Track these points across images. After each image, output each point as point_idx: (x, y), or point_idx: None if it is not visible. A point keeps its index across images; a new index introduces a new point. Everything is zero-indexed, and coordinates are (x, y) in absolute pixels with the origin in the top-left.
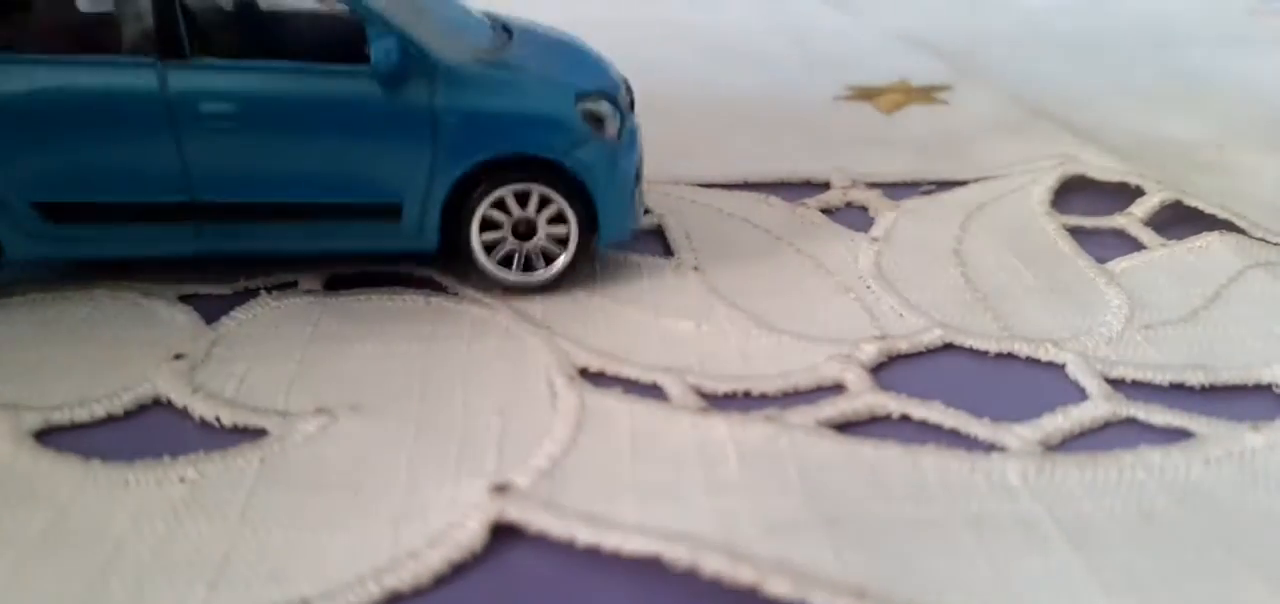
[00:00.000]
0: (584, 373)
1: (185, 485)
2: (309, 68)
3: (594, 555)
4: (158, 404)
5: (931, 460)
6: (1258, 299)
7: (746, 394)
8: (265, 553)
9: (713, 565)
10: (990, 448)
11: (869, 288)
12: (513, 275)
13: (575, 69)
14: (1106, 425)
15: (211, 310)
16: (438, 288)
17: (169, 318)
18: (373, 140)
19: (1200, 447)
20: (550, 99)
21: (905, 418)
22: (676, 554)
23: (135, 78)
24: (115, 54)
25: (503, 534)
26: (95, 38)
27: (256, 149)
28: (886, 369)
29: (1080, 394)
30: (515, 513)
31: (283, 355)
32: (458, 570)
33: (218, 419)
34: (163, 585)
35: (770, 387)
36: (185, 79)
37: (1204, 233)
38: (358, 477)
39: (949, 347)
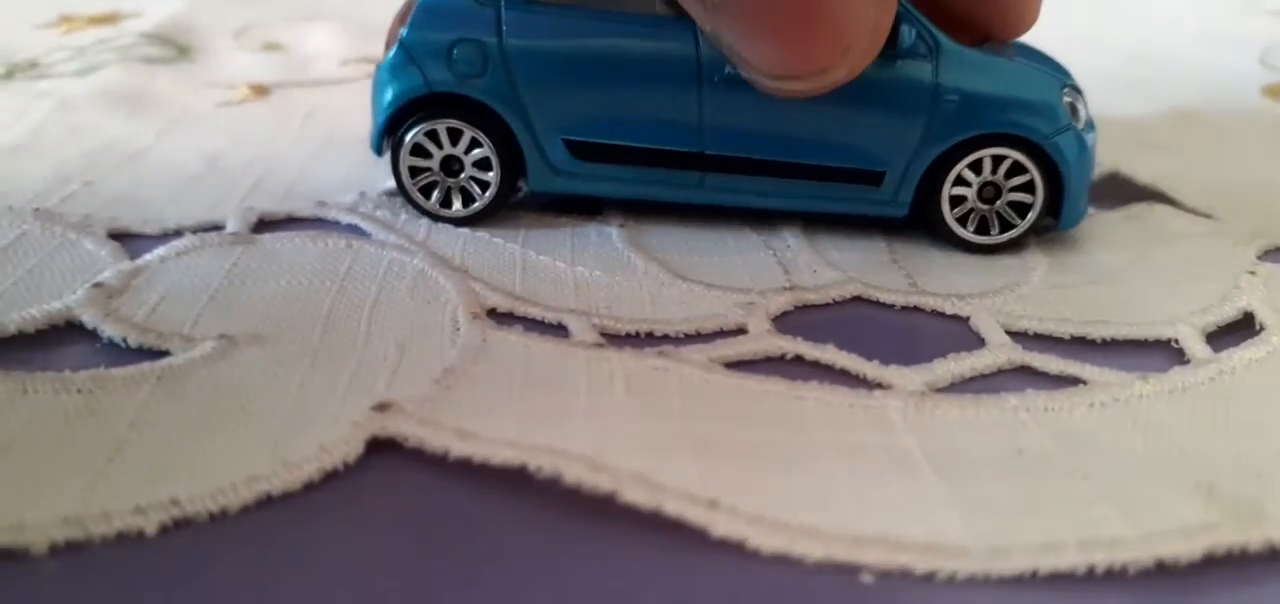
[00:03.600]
0: (492, 313)
1: (81, 395)
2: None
3: (466, 468)
4: (70, 326)
5: (813, 395)
6: (1177, 261)
7: (649, 335)
8: (147, 458)
9: (573, 474)
10: (875, 387)
11: (789, 247)
12: (981, 237)
13: (1042, 60)
14: (999, 372)
15: (138, 248)
16: (361, 233)
17: (95, 251)
18: (874, 111)
19: (1088, 393)
20: (1042, 86)
21: (799, 359)
22: (540, 463)
23: (674, 37)
24: (652, 15)
25: (381, 448)
26: None
27: (766, 110)
28: (791, 317)
29: (979, 343)
30: (394, 428)
31: (197, 289)
32: (330, 478)
33: (124, 341)
34: (45, 482)
35: (672, 329)
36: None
37: (1135, 203)
38: (248, 397)
39: (857, 299)
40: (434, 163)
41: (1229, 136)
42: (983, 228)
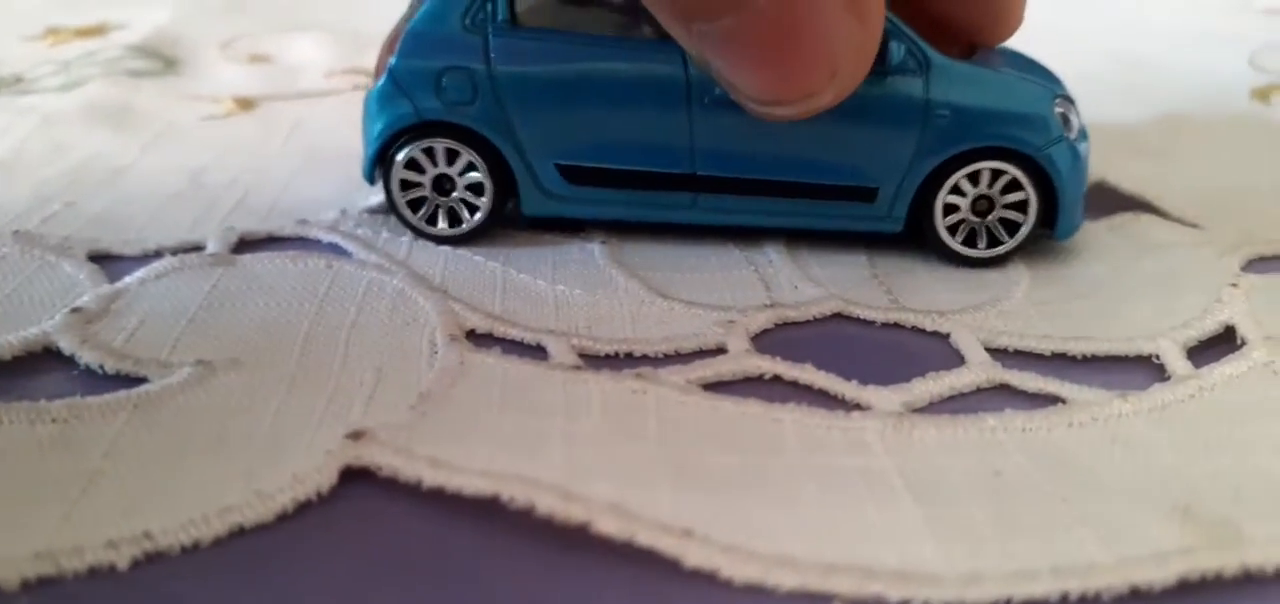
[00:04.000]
0: (471, 334)
1: (56, 425)
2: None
3: (440, 496)
4: (47, 352)
5: (790, 417)
6: (1160, 274)
7: (628, 355)
8: (121, 489)
9: (546, 505)
10: (853, 408)
11: (771, 262)
12: (971, 250)
13: (1033, 69)
14: (978, 390)
15: (118, 270)
16: (342, 253)
17: (73, 274)
18: (866, 128)
19: (1067, 412)
20: (1033, 97)
21: (777, 378)
22: (512, 492)
23: (663, 59)
24: (640, 38)
25: (354, 477)
26: (623, 21)
27: (757, 130)
28: (771, 335)
29: (959, 361)
30: (367, 457)
31: (176, 313)
32: (303, 509)
33: (102, 367)
34: (18, 514)
35: (651, 349)
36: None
37: (1120, 213)
38: (223, 424)
39: (837, 316)
40: (426, 180)
41: (1217, 141)
42: (970, 240)
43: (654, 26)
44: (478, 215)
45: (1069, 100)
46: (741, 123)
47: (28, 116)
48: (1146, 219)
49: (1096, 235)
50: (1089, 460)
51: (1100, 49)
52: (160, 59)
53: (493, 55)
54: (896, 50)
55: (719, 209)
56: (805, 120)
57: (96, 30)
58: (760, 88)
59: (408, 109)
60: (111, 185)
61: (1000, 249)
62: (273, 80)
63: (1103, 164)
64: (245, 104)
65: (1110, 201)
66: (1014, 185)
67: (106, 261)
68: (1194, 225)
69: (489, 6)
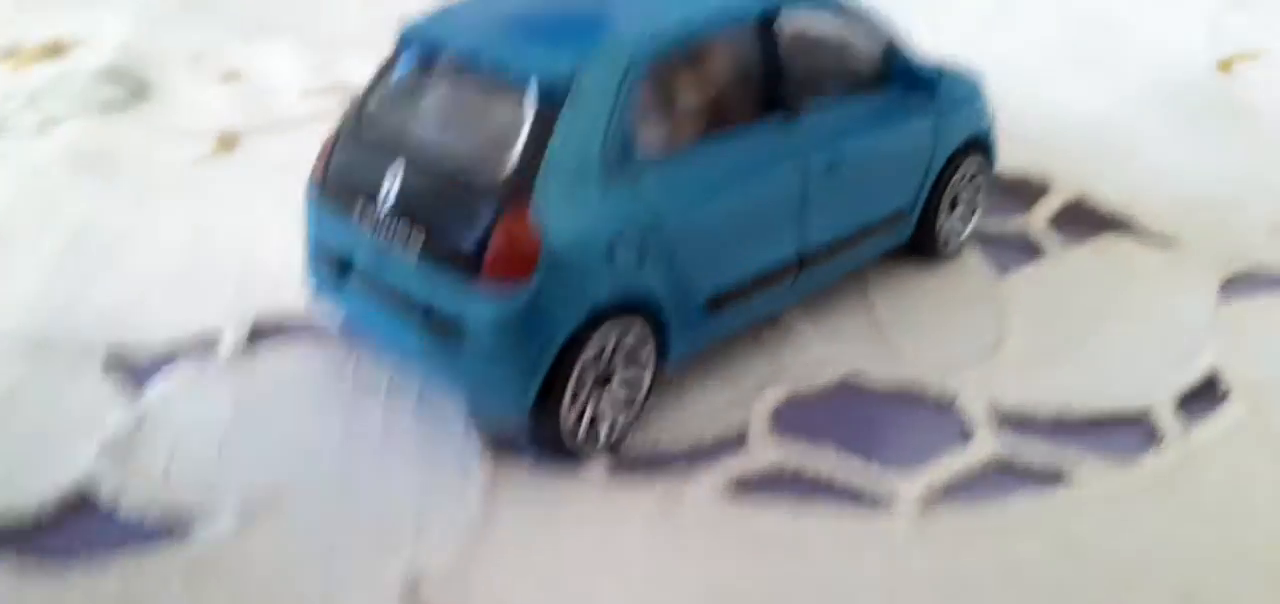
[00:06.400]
0: (498, 440)
1: (118, 584)
2: (888, 101)
3: None
4: (86, 500)
5: (818, 524)
6: (1145, 317)
7: (653, 451)
8: None
9: None
10: (878, 502)
11: (774, 324)
12: (969, 226)
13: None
14: (986, 468)
15: (138, 376)
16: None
17: (94, 393)
18: (910, 155)
19: (1072, 493)
20: (979, 85)
21: (800, 471)
22: None
23: (778, 143)
24: (747, 121)
25: None
26: (725, 105)
27: (849, 189)
28: (785, 412)
29: (962, 432)
30: None
31: (206, 437)
32: None
33: (143, 517)
34: None
35: (677, 443)
36: (806, 133)
37: (1099, 236)
38: (277, 585)
39: (843, 383)
40: (586, 382)
41: (1184, 129)
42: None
43: (752, 102)
44: (640, 395)
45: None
46: (838, 187)
47: (7, 165)
48: (1126, 244)
49: (1083, 260)
50: (1098, 547)
51: (1053, 11)
52: (130, 84)
53: (655, 199)
54: (933, 73)
55: (809, 280)
56: (880, 166)
57: (56, 49)
58: None
59: (575, 306)
60: (114, 258)
61: (973, 222)
62: (249, 106)
63: (1079, 173)
64: (228, 142)
65: (1091, 221)
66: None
67: (123, 365)
68: (1173, 240)
69: (620, 140)
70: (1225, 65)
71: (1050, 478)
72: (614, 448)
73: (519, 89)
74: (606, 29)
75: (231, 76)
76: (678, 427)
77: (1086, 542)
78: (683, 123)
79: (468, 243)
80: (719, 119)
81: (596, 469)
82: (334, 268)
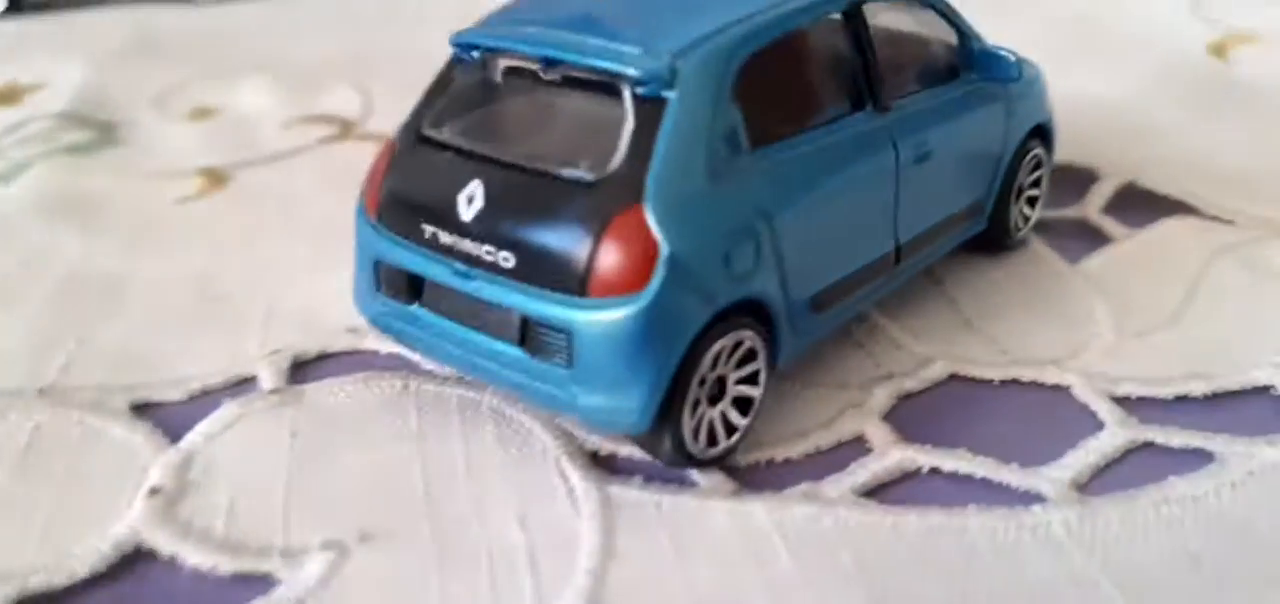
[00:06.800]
0: (595, 458)
1: None
2: (967, 90)
3: None
4: (141, 553)
5: (976, 523)
6: (1230, 291)
7: (770, 463)
8: None
9: None
10: (1028, 499)
11: (864, 323)
12: (1034, 215)
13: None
14: (1127, 453)
15: (171, 423)
16: (409, 365)
17: (127, 440)
18: (988, 144)
19: (1222, 470)
20: (1040, 73)
21: (935, 471)
22: None
23: (872, 134)
24: (842, 113)
25: None
26: (819, 98)
27: (936, 180)
28: (899, 412)
29: (1092, 418)
30: None
31: (267, 477)
32: None
33: (215, 569)
34: None
35: (793, 451)
36: (896, 125)
37: (1162, 219)
38: None
39: (953, 377)
40: (702, 391)
41: (1204, 113)
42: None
43: (845, 93)
44: (755, 405)
45: None
46: (928, 176)
47: None
48: (1188, 221)
49: (1152, 243)
50: (1268, 529)
51: (1035, 12)
52: (95, 126)
53: (762, 195)
54: (1014, 63)
55: (907, 270)
56: (966, 153)
57: (10, 96)
58: None
59: (697, 311)
60: (113, 306)
61: (1038, 208)
62: (230, 141)
63: (1121, 161)
64: (215, 179)
65: (1147, 205)
66: (1037, 163)
67: (150, 409)
68: (1230, 222)
69: (725, 134)
70: (1218, 49)
71: (1199, 459)
72: (724, 458)
73: (613, 86)
74: (692, 21)
75: (202, 113)
76: (790, 434)
77: (1253, 524)
78: (781, 117)
79: (573, 251)
80: (815, 113)
81: (716, 483)
82: (400, 292)
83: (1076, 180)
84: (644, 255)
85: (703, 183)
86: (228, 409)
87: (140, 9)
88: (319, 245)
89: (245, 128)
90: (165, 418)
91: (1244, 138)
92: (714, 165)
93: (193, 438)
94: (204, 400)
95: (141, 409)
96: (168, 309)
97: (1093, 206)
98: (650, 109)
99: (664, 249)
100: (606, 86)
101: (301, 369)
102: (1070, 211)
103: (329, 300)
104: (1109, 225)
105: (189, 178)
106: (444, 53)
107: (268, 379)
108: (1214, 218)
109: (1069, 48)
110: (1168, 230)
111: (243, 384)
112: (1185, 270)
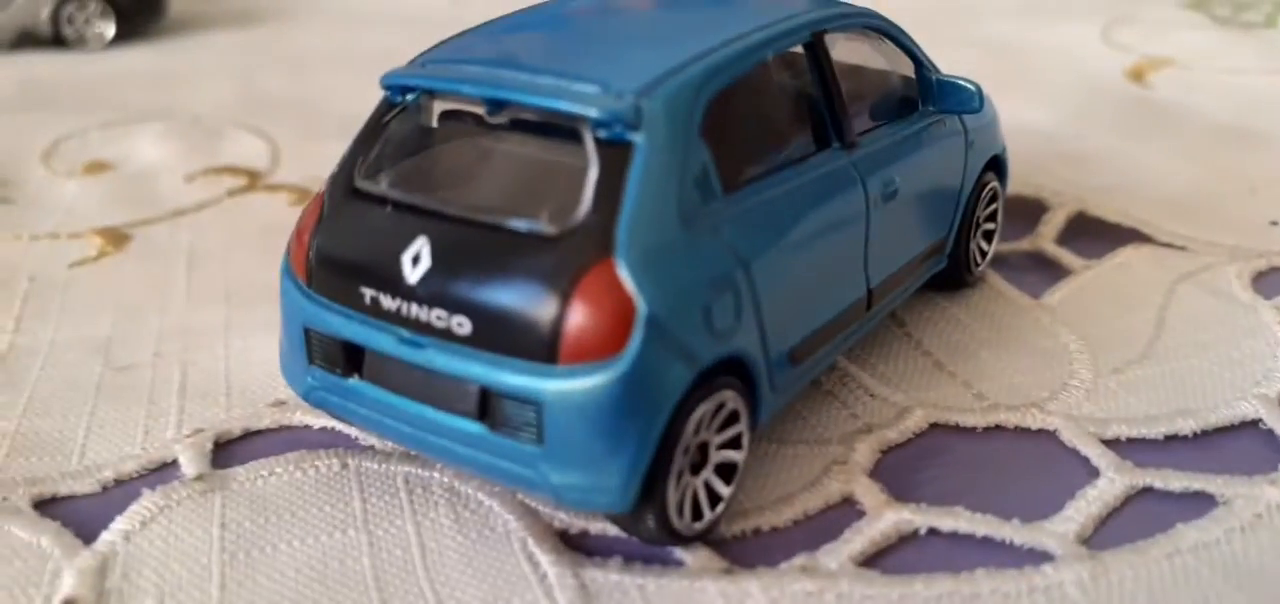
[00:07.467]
0: (564, 537)
1: None
2: (929, 122)
3: None
4: None
5: (987, 589)
6: (1196, 319)
7: (758, 532)
8: None
9: None
10: (1036, 557)
11: (834, 372)
12: (991, 249)
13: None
14: (1128, 500)
15: (83, 520)
16: (345, 439)
17: (31, 544)
18: (949, 179)
19: (1229, 514)
20: (991, 103)
21: (933, 532)
22: None
23: (841, 172)
24: (810, 151)
25: None
26: (786, 137)
27: (902, 218)
28: (883, 466)
29: (1085, 464)
30: None
31: (197, 578)
32: None
33: None
34: None
35: (781, 517)
36: (864, 162)
37: (1118, 248)
38: None
39: (933, 426)
40: (684, 460)
41: (1134, 137)
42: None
43: (810, 131)
44: (737, 474)
45: None
46: (895, 215)
47: None
48: (1144, 250)
49: (1110, 273)
50: (1276, 568)
51: (957, 35)
52: None
53: (737, 242)
54: (977, 96)
55: (874, 316)
56: (927, 191)
57: None
58: None
59: (680, 374)
60: (7, 385)
61: (995, 244)
62: (128, 196)
63: (1066, 189)
64: (114, 238)
65: (1100, 235)
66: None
67: (56, 505)
68: (1182, 248)
69: (695, 178)
70: (1136, 75)
71: (1202, 503)
72: (710, 532)
73: (570, 129)
74: (649, 55)
75: (97, 168)
76: (775, 498)
77: (1267, 570)
78: (750, 156)
79: (538, 313)
80: (783, 151)
81: (704, 561)
82: (337, 364)
83: (1026, 211)
84: (619, 315)
85: (676, 232)
86: (147, 501)
87: (20, 58)
88: (235, 307)
89: (144, 182)
90: (75, 514)
91: (1179, 162)
92: (686, 212)
93: (109, 537)
94: (119, 492)
95: (47, 505)
96: (70, 385)
97: (1046, 237)
98: (615, 153)
99: (641, 307)
100: (562, 129)
101: (225, 449)
102: (1024, 244)
103: (250, 369)
104: (1066, 256)
105: (85, 238)
106: (350, 96)
107: (189, 464)
108: (1167, 244)
109: (999, 76)
110: (1124, 259)
111: (161, 470)
112: (1150, 300)
